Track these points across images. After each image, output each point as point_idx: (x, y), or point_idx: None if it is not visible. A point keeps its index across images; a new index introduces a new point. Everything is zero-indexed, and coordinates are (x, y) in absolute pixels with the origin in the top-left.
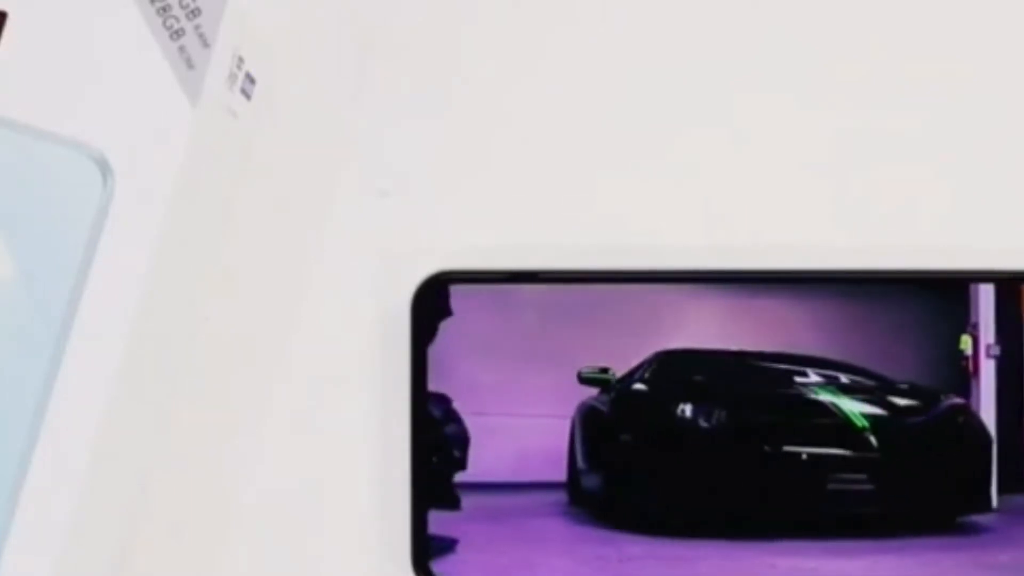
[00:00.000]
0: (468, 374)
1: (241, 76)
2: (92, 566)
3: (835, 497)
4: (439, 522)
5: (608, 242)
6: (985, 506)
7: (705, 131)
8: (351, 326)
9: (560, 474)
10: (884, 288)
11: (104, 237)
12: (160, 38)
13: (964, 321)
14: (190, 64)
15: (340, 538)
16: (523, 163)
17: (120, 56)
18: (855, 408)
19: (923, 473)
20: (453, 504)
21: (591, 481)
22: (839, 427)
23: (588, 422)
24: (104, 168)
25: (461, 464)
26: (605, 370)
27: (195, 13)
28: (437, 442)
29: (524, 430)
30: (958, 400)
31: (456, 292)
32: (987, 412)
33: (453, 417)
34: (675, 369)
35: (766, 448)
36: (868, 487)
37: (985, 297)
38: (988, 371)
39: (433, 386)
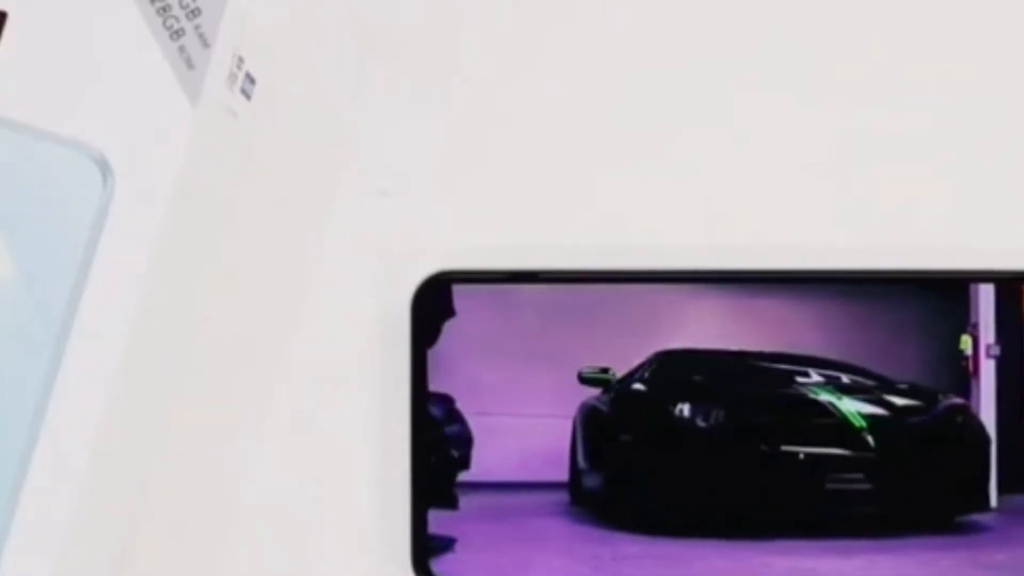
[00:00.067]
0: (471, 374)
1: (241, 76)
2: (92, 566)
3: (833, 497)
4: (439, 521)
5: (608, 242)
6: (984, 506)
7: (705, 131)
8: (351, 326)
9: (562, 474)
10: (884, 288)
11: (104, 237)
12: (160, 38)
13: (964, 321)
14: (190, 64)
15: (340, 538)
16: (523, 163)
17: (120, 56)
18: (853, 408)
19: (921, 473)
20: (453, 504)
21: (591, 481)
22: (837, 427)
23: (589, 422)
24: (104, 168)
25: (464, 464)
26: (605, 370)
27: (195, 13)
28: (439, 442)
29: (527, 430)
30: (957, 400)
31: (459, 292)
32: (987, 412)
33: (456, 417)
34: (675, 369)
35: (764, 448)
36: (866, 487)
37: (985, 297)
38: (988, 371)
39: (436, 386)
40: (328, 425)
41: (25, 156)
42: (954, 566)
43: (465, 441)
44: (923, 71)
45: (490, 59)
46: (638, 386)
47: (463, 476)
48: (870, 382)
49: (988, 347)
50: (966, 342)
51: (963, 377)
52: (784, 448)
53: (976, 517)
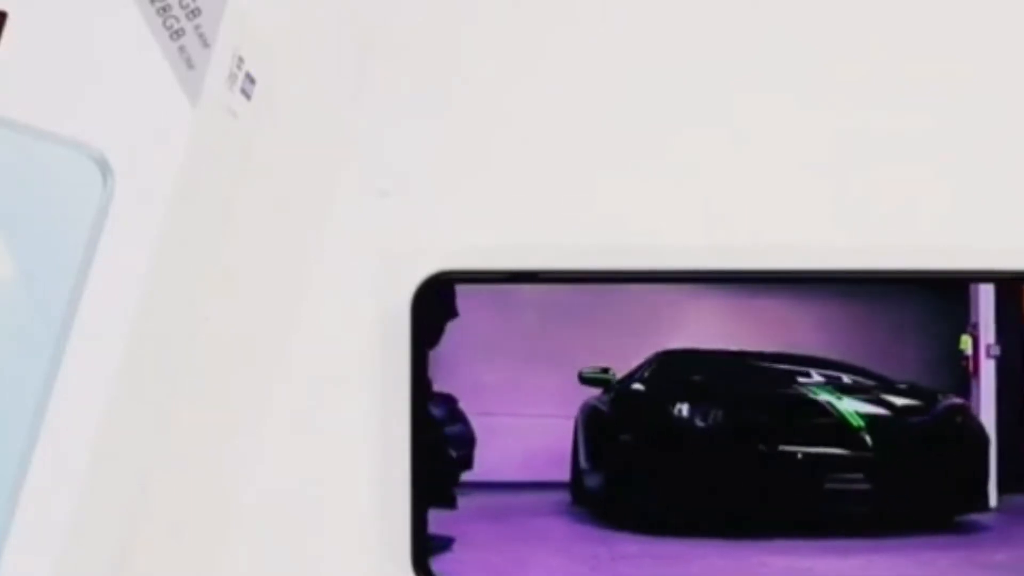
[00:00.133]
0: (473, 374)
1: (241, 76)
2: (92, 566)
3: (832, 496)
4: (440, 521)
5: (608, 242)
6: (983, 506)
7: (705, 131)
8: (351, 326)
9: (564, 474)
10: (884, 288)
11: (104, 237)
12: (160, 38)
13: (964, 321)
14: (190, 64)
15: (340, 538)
16: (523, 163)
17: (120, 56)
18: (852, 408)
19: (920, 473)
20: (453, 504)
21: (592, 480)
22: (836, 427)
23: (589, 422)
24: (104, 168)
25: (467, 463)
26: (606, 370)
27: (195, 13)
28: (440, 441)
29: (529, 430)
30: (957, 400)
31: (461, 292)
32: (987, 412)
33: (459, 417)
34: (674, 369)
35: (762, 448)
36: (865, 486)
37: (985, 297)
38: (988, 371)
39: (438, 386)
40: (328, 425)
41: (25, 156)
42: (952, 566)
43: (468, 441)
44: (923, 71)
45: (490, 59)
46: (638, 386)
47: (465, 476)
48: (870, 382)
49: (988, 347)
50: (966, 342)
51: (963, 377)
52: (782, 448)
53: (975, 517)
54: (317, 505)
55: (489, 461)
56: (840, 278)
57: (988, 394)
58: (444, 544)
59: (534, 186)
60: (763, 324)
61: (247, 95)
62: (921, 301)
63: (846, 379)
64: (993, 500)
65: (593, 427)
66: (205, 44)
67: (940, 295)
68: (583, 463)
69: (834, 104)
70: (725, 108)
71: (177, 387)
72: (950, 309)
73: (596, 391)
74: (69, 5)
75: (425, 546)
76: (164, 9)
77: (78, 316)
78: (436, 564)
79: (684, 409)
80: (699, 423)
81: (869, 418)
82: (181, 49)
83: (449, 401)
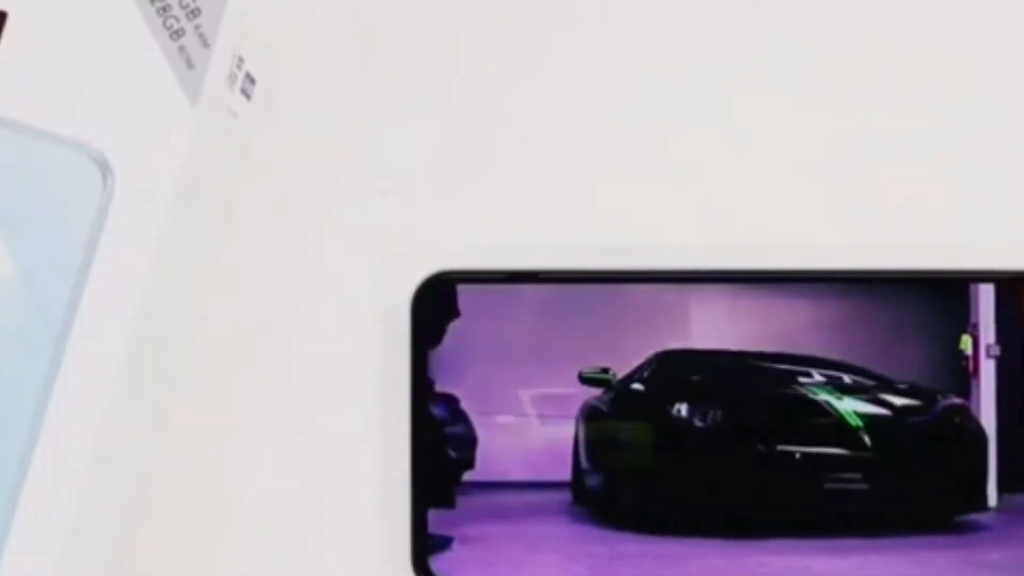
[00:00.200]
0: (474, 374)
1: (241, 76)
2: (92, 566)
3: (831, 496)
4: (440, 521)
5: (608, 242)
6: (982, 505)
7: (705, 131)
8: (351, 326)
9: (564, 474)
10: (884, 288)
11: (104, 237)
12: (160, 38)
13: (964, 321)
14: (190, 64)
15: (340, 538)
16: (523, 163)
17: (120, 56)
18: (851, 408)
19: (919, 472)
20: (454, 504)
21: (592, 480)
22: (834, 427)
23: (590, 422)
24: (104, 168)
25: (469, 464)
26: (606, 370)
27: (195, 13)
28: (441, 441)
29: (531, 430)
30: (956, 400)
31: (463, 292)
32: (987, 412)
33: (460, 417)
34: (674, 369)
35: (761, 447)
36: (863, 486)
37: (985, 297)
38: (988, 371)
39: (440, 387)
40: (328, 425)
41: (25, 156)
42: (950, 565)
43: (469, 441)
44: (923, 71)
45: (490, 59)
46: (637, 386)
47: (466, 476)
48: (870, 382)
49: (988, 347)
50: (966, 342)
51: (963, 377)
52: (781, 448)
53: (975, 517)
54: (317, 505)
55: (489, 461)
56: (840, 278)
57: (988, 394)
58: (444, 544)
59: (534, 186)
60: (763, 324)
61: (247, 95)
62: (921, 301)
63: (846, 379)
64: (992, 500)
65: (593, 427)
66: (205, 44)
67: (940, 295)
68: (583, 463)
69: (834, 104)
70: (725, 108)
71: (177, 387)
72: (950, 309)
73: (596, 391)
74: (69, 5)
75: (425, 546)
76: (164, 9)
77: (78, 316)
78: (436, 564)
79: (683, 409)
80: (698, 423)
81: (868, 418)
82: (181, 49)
83: (450, 401)
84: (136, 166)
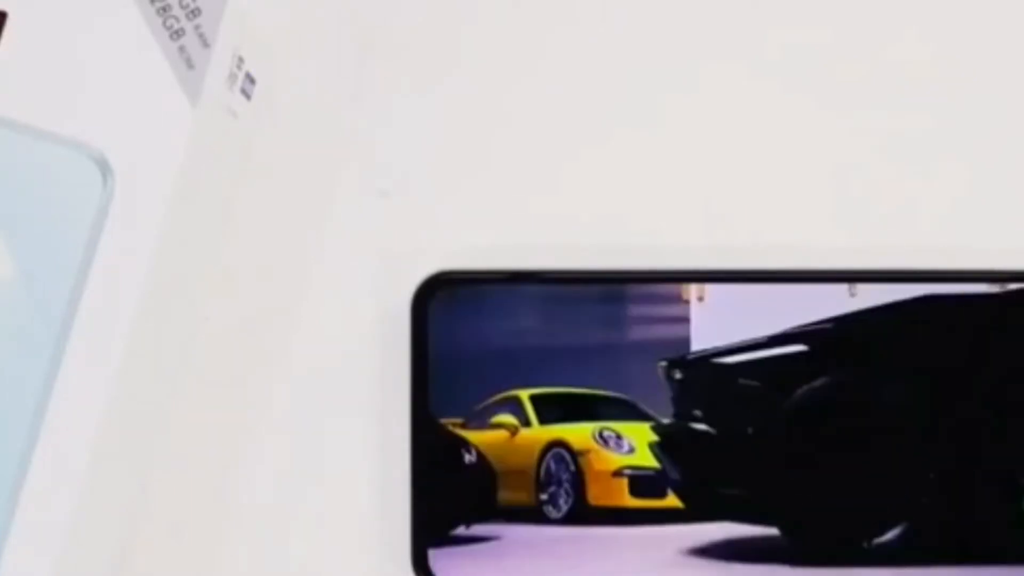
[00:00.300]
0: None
1: (241, 76)
2: (92, 566)
3: None
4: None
5: (608, 242)
6: None
7: (705, 131)
8: (351, 326)
9: None
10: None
11: (104, 237)
12: (160, 38)
13: None
14: (190, 64)
15: (340, 538)
16: (523, 163)
17: (120, 56)
18: None
19: None
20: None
21: None
22: None
23: None
24: (104, 168)
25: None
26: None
27: (195, 13)
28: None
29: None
30: None
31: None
32: None
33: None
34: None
35: None
36: None
37: None
38: None
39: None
40: (328, 425)
41: (25, 156)
42: None
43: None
44: (923, 71)
45: (490, 59)
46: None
47: None
48: None
49: None
50: None
51: None
52: None
53: None
54: (317, 505)
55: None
56: (840, 278)
57: None
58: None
59: (534, 186)
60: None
61: (247, 95)
62: None
63: None
64: None
65: None
66: (205, 44)
67: None
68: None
69: (834, 104)
70: (725, 108)
71: (177, 387)
72: None
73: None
74: (69, 5)
75: (425, 546)
76: (164, 9)
77: (78, 316)
78: (435, 563)
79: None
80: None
81: None
82: (181, 49)
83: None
84: (136, 166)
